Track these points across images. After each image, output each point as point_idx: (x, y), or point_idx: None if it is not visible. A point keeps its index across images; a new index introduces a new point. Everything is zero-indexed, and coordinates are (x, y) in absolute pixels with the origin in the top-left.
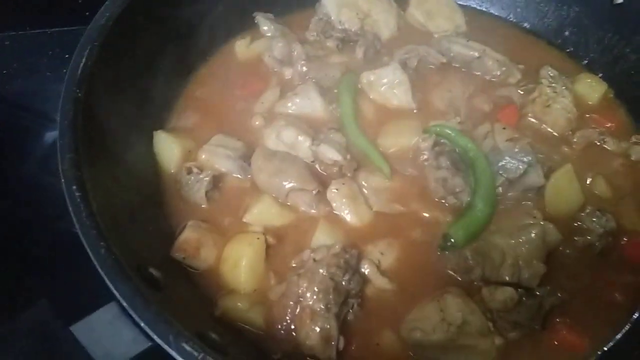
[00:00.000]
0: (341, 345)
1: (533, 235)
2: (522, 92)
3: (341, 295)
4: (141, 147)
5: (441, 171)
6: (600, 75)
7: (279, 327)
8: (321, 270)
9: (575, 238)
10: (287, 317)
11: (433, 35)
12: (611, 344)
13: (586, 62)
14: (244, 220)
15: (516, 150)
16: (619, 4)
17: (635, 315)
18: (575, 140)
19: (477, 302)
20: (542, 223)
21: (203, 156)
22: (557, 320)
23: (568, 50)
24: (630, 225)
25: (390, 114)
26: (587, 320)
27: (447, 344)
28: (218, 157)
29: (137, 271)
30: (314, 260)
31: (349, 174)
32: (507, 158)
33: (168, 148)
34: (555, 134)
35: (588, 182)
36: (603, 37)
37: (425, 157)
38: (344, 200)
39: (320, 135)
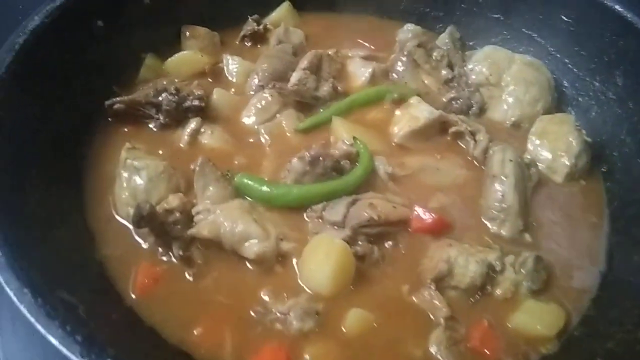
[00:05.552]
0: None
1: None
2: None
3: None
4: None
5: (305, 153)
6: None
7: None
8: None
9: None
10: None
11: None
12: None
13: None
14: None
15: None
16: None
17: None
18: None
19: None
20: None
21: None
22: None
23: None
24: None
25: (379, 127)
26: None
27: None
28: None
29: None
30: None
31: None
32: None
33: None
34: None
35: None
36: None
37: (333, 152)
38: (258, 102)
39: (322, 77)
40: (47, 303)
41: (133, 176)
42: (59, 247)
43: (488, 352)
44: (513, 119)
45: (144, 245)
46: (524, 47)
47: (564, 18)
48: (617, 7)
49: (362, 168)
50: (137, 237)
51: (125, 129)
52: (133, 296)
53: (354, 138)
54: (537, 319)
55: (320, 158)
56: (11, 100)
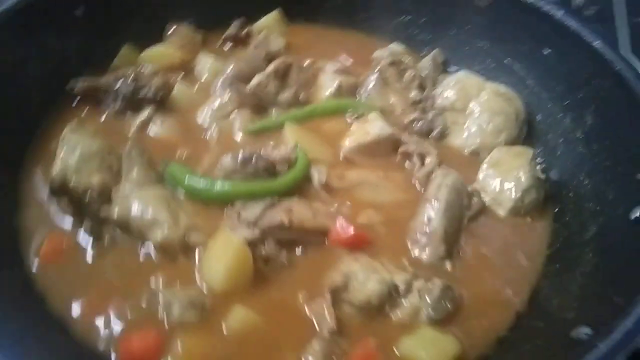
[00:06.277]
0: None
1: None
2: None
3: None
4: None
5: (239, 152)
6: None
7: None
8: None
9: None
10: None
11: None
12: None
13: None
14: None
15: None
16: None
17: None
18: None
19: None
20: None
21: None
22: None
23: None
24: None
25: (333, 138)
26: None
27: None
28: None
29: None
30: None
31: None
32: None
33: None
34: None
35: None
36: None
37: (270, 155)
38: (216, 101)
39: (287, 85)
40: None
41: (69, 153)
42: None
43: None
44: (472, 147)
45: (60, 220)
46: (504, 77)
47: (546, 52)
48: (596, 43)
49: (293, 173)
50: (56, 212)
51: (82, 114)
52: (33, 263)
53: (296, 144)
54: (426, 347)
55: (253, 158)
56: None
